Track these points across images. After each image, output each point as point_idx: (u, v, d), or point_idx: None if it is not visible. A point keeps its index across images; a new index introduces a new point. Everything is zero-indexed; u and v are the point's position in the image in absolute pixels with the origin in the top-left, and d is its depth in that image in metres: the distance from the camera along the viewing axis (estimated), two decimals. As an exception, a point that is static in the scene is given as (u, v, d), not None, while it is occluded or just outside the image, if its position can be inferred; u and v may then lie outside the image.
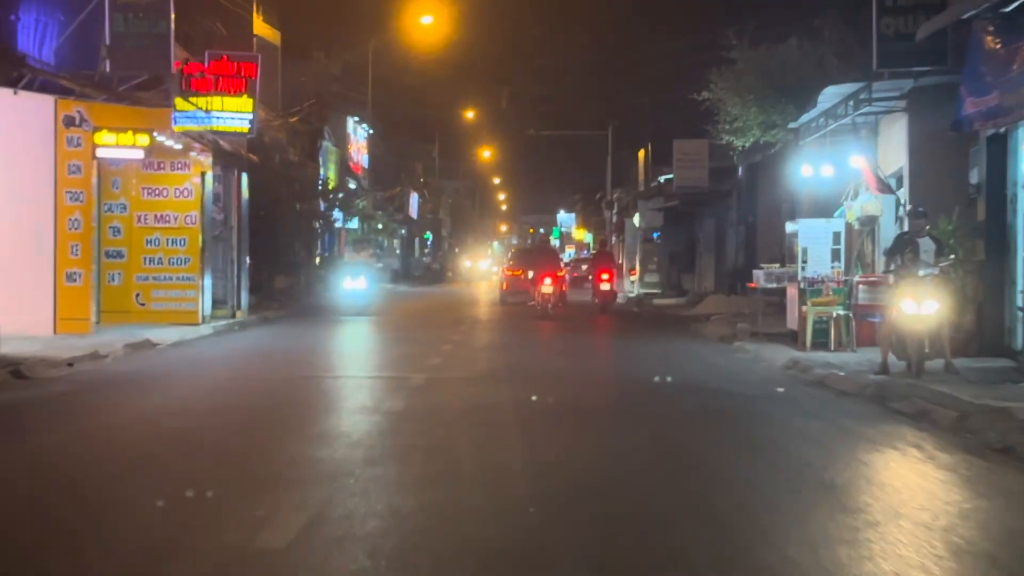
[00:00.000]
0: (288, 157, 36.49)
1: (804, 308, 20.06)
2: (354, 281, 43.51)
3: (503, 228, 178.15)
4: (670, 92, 44.30)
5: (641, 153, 47.12)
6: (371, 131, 61.42)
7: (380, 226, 64.34)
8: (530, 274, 33.27)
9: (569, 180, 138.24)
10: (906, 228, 17.05)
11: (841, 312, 19.71)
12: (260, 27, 36.08)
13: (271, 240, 33.44)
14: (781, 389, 14.92)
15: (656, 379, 15.93)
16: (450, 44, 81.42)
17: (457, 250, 76.53)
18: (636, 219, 47.20)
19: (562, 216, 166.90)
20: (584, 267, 51.08)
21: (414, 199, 72.38)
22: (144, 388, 14.81)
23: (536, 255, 35.02)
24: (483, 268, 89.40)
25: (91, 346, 18.25)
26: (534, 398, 13.59)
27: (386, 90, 70.84)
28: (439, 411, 12.64)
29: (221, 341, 22.23)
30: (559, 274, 32.49)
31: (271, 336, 23.98)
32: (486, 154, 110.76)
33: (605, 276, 34.66)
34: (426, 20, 44.67)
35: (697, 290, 39.39)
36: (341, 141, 54.35)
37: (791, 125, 20.91)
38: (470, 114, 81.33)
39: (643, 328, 29.28)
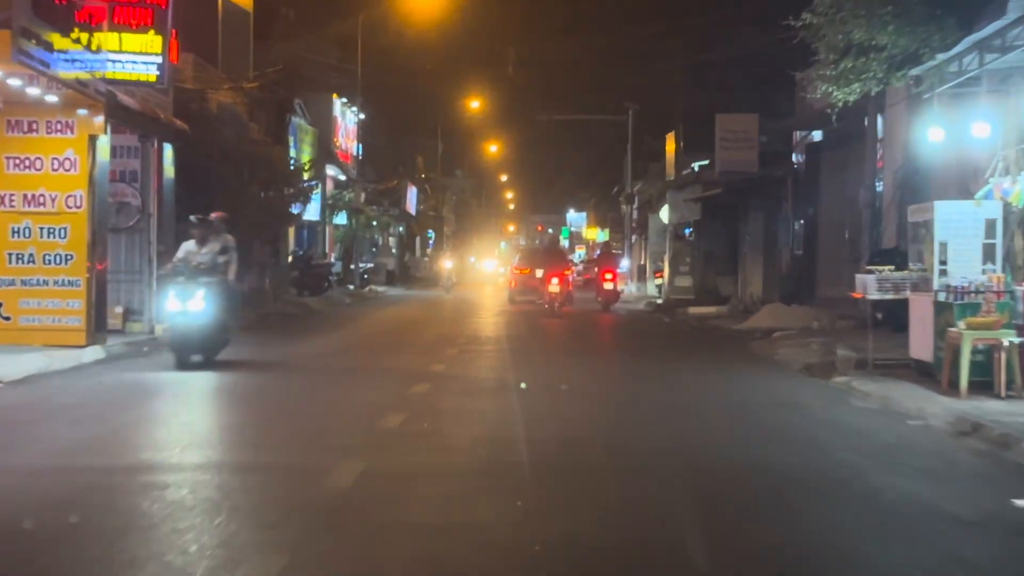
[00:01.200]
0: (248, 134, 29.82)
1: (955, 331, 13.32)
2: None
3: (511, 228, 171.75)
4: (708, 61, 37.66)
5: (670, 138, 40.33)
6: (362, 115, 54.72)
7: (375, 223, 57.71)
8: (538, 273, 34.19)
9: (580, 177, 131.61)
10: None
11: (1015, 340, 12.97)
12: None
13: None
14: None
15: (745, 461, 9.36)
16: (452, 27, 75.12)
17: (447, 248, 69.38)
18: (663, 213, 40.47)
19: (572, 215, 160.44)
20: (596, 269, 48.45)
21: (413, 193, 65.65)
22: None
23: (544, 255, 36.93)
24: (487, 269, 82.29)
25: None
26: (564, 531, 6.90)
27: (384, 77, 64.50)
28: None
29: (97, 377, 15.05)
30: (566, 274, 32.81)
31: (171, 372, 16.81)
32: (492, 148, 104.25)
33: (608, 276, 35.01)
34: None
35: (741, 297, 32.62)
36: (325, 124, 47.56)
37: (940, 57, 14.05)
38: (475, 103, 74.80)
39: (687, 348, 22.60)
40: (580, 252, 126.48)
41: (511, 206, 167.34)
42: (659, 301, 37.79)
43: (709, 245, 36.34)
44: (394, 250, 64.07)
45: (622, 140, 59.67)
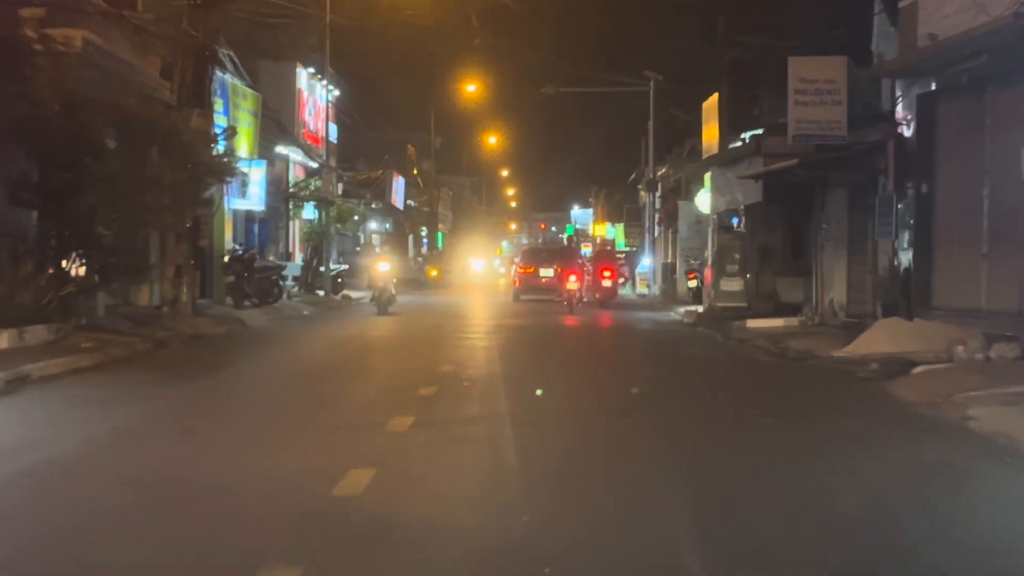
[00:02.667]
0: (150, 93, 21.53)
1: None
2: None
3: (513, 226, 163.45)
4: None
5: (710, 106, 31.89)
6: (335, 92, 46.44)
7: (355, 216, 49.35)
8: (542, 271, 37.20)
9: (589, 167, 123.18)
10: None
11: None
12: None
13: (96, 224, 18.55)
14: None
15: None
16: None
17: (383, 245, 59.54)
18: (700, 199, 32.18)
19: (576, 212, 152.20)
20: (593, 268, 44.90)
21: (400, 185, 57.28)
22: None
23: (547, 253, 39.64)
24: (477, 269, 73.19)
25: None
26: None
27: (363, 48, 56.34)
28: None
29: None
30: (582, 272, 33.56)
31: None
32: (492, 140, 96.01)
33: (607, 273, 35.41)
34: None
35: (816, 305, 24.31)
36: (287, 98, 39.31)
37: None
38: (472, 87, 66.52)
39: (782, 398, 14.28)
40: (586, 251, 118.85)
41: (513, 204, 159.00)
42: (698, 310, 29.44)
43: (765, 238, 27.99)
44: (378, 249, 55.68)
45: (639, 119, 51.41)
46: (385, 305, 28.31)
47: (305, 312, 30.40)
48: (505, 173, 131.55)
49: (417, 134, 74.68)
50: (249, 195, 27.98)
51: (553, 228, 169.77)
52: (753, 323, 24.29)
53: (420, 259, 65.89)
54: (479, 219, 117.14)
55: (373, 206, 54.74)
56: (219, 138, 22.67)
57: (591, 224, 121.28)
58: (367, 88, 63.06)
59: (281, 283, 30.58)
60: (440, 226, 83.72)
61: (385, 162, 56.52)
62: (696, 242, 36.49)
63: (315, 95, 41.60)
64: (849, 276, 23.78)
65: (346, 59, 54.70)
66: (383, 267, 28.66)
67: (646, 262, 45.40)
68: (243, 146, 27.14)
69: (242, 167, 27.65)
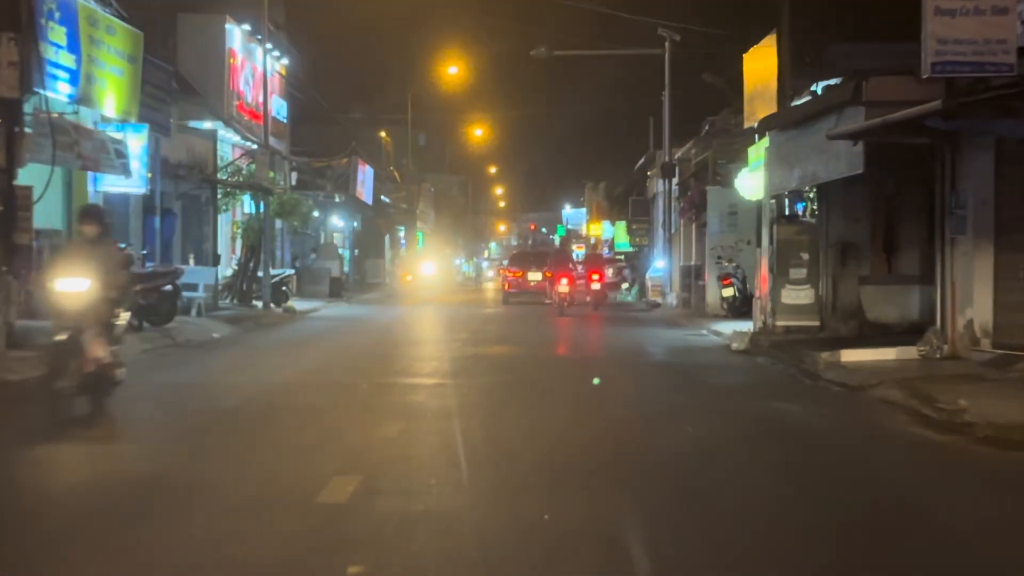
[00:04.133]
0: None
1: None
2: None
3: (501, 227, 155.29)
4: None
5: (759, 55, 23.65)
6: (283, 60, 38.24)
7: (314, 212, 41.16)
8: (531, 275, 37.15)
9: (581, 165, 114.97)
10: None
11: None
12: None
13: None
14: None
15: None
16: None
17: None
18: (741, 182, 24.03)
19: (568, 212, 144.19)
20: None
21: (368, 176, 48.98)
22: None
23: (535, 257, 40.35)
24: (430, 274, 60.80)
25: None
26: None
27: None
28: None
29: None
30: (573, 275, 32.93)
31: None
32: (478, 133, 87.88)
33: (595, 277, 35.79)
34: None
35: (948, 328, 16.16)
36: (213, 59, 31.11)
37: None
38: (453, 69, 58.46)
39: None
40: (578, 252, 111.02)
41: (501, 204, 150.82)
42: (748, 330, 21.25)
43: (847, 230, 19.83)
44: (342, 250, 47.48)
45: (650, 93, 43.52)
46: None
47: (215, 335, 22.16)
48: (493, 170, 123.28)
49: (396, 128, 66.54)
50: (128, 173, 19.66)
51: (543, 229, 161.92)
52: (849, 355, 16.13)
53: (397, 261, 57.69)
54: (466, 219, 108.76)
55: (337, 199, 46.49)
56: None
57: (584, 223, 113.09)
58: (335, 68, 54.96)
59: (180, 298, 22.33)
60: (420, 225, 75.52)
61: (352, 148, 48.28)
62: (731, 238, 28.34)
63: (251, 60, 33.35)
64: (997, 286, 15.64)
65: (313, 38, 46.63)
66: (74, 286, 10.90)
67: (659, 265, 37.26)
68: (108, 101, 18.86)
69: (108, 131, 19.39)
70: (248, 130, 33.20)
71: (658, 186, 39.34)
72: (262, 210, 31.40)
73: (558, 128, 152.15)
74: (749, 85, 24.43)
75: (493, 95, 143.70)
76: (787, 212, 21.27)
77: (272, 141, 37.46)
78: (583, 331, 26.08)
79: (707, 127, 33.96)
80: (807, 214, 21.54)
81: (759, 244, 21.87)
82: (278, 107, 38.26)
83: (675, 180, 34.65)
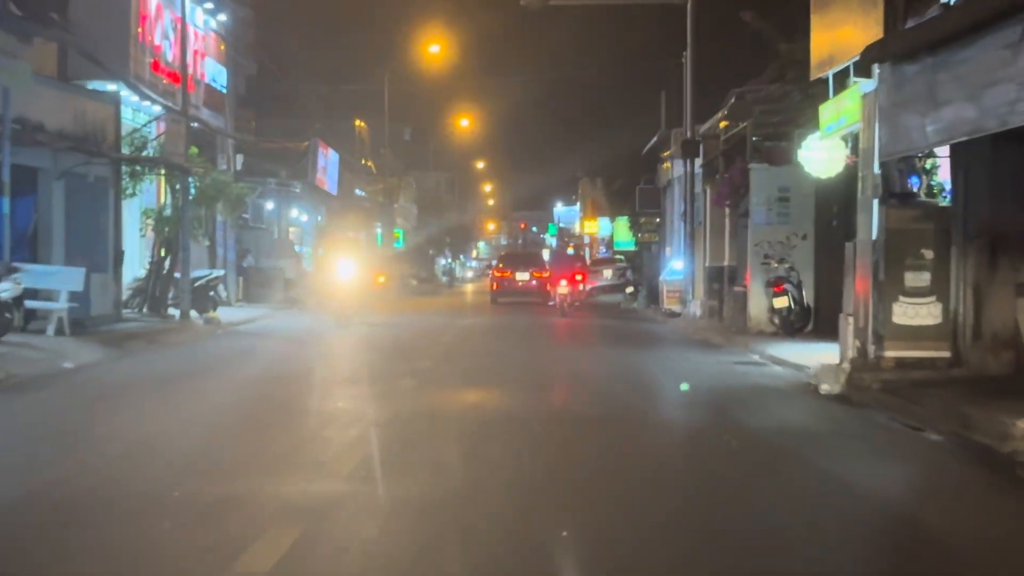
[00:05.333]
0: None
1: None
2: None
3: (491, 226, 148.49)
4: None
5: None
6: (221, 15, 31.28)
7: (245, 198, 34.41)
8: (519, 275, 37.89)
9: (574, 158, 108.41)
10: None
11: None
12: None
13: None
14: None
15: None
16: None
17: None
18: (809, 154, 17.21)
19: (560, 210, 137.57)
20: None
21: (332, 163, 42.03)
22: None
23: (525, 257, 43.64)
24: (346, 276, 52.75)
25: None
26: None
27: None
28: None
29: None
30: (575, 276, 31.58)
31: None
32: (464, 123, 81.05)
33: (579, 277, 32.81)
34: None
35: None
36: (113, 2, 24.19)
37: None
38: (435, 47, 51.65)
39: None
40: (570, 251, 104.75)
41: (490, 201, 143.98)
42: (845, 362, 14.33)
43: (999, 215, 12.99)
44: (299, 247, 40.60)
45: (657, 72, 37.21)
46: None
47: (67, 364, 15.27)
48: (480, 165, 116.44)
49: (373, 116, 59.63)
50: None
51: (534, 228, 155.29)
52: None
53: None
54: (451, 216, 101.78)
55: (298, 189, 39.58)
56: None
57: (577, 221, 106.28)
58: (302, 42, 48.05)
59: (18, 306, 15.46)
60: (401, 222, 68.61)
61: (316, 131, 41.39)
62: (781, 232, 21.51)
63: (172, 7, 26.34)
64: None
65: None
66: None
67: (676, 265, 30.40)
68: None
69: None
70: (169, 97, 26.26)
71: (675, 171, 32.51)
72: (178, 197, 24.48)
73: (551, 118, 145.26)
74: (820, 22, 17.52)
75: (481, 83, 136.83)
76: (897, 188, 14.38)
77: (208, 115, 30.66)
78: (590, 356, 19.26)
79: (733, 99, 27.22)
80: (923, 192, 14.70)
81: (817, 238, 14.97)
82: (214, 73, 31.34)
83: (700, 162, 27.82)
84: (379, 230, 60.62)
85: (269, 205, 39.13)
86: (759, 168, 21.82)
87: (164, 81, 26.46)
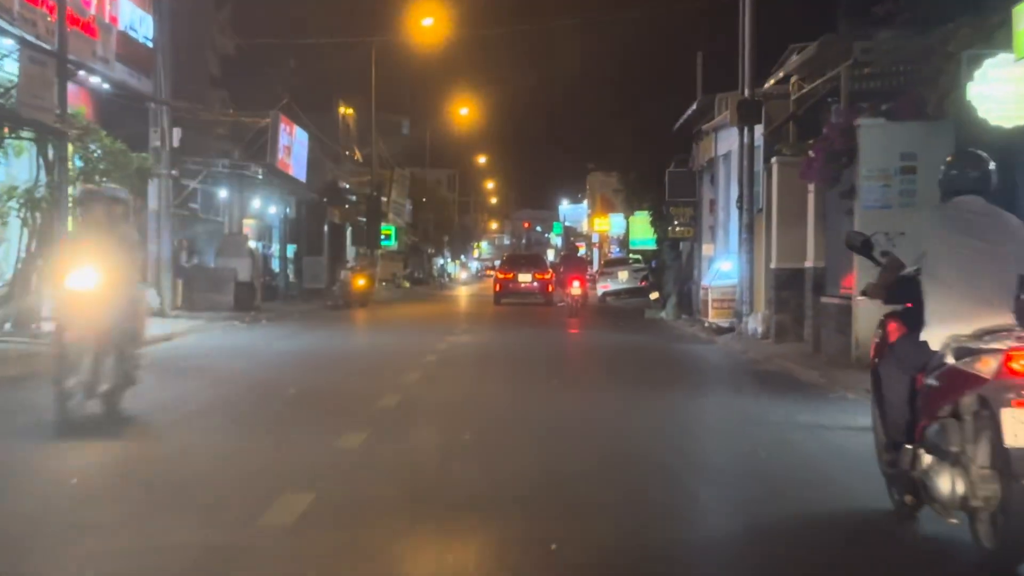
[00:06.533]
0: None
1: None
2: None
3: (493, 226, 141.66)
4: None
5: None
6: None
7: (147, 170, 27.56)
8: (521, 277, 38.72)
9: (581, 153, 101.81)
10: None
11: None
12: None
13: None
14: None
15: None
16: None
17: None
18: (980, 88, 10.24)
19: (566, 208, 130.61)
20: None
21: (300, 144, 34.99)
22: None
23: (527, 259, 43.70)
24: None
25: None
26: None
27: None
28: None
29: None
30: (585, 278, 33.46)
31: None
32: (463, 111, 74.12)
33: (576, 283, 32.49)
34: None
35: None
36: None
37: None
38: (427, 20, 44.74)
39: None
40: (580, 251, 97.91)
41: (493, 199, 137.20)
42: None
43: None
44: (254, 244, 33.66)
45: (681, 45, 30.81)
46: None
47: None
48: (482, 160, 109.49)
49: (360, 101, 52.72)
50: None
51: (538, 227, 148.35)
52: None
53: (350, 264, 43.73)
54: (449, 215, 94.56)
55: (261, 176, 32.60)
56: None
57: (585, 219, 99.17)
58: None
59: None
60: (393, 218, 61.63)
61: (285, 106, 34.44)
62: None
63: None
64: None
65: None
66: None
67: (724, 267, 23.35)
68: None
69: None
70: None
71: (718, 147, 25.53)
72: (53, 167, 17.53)
73: (557, 108, 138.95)
74: None
75: (482, 71, 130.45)
76: None
77: (124, 74, 23.82)
78: (627, 415, 12.01)
79: (794, 55, 20.40)
80: None
81: None
82: (133, 19, 24.48)
83: (763, 130, 20.83)
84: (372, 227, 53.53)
85: (222, 193, 32.23)
86: (872, 125, 14.85)
87: (48, 18, 19.50)
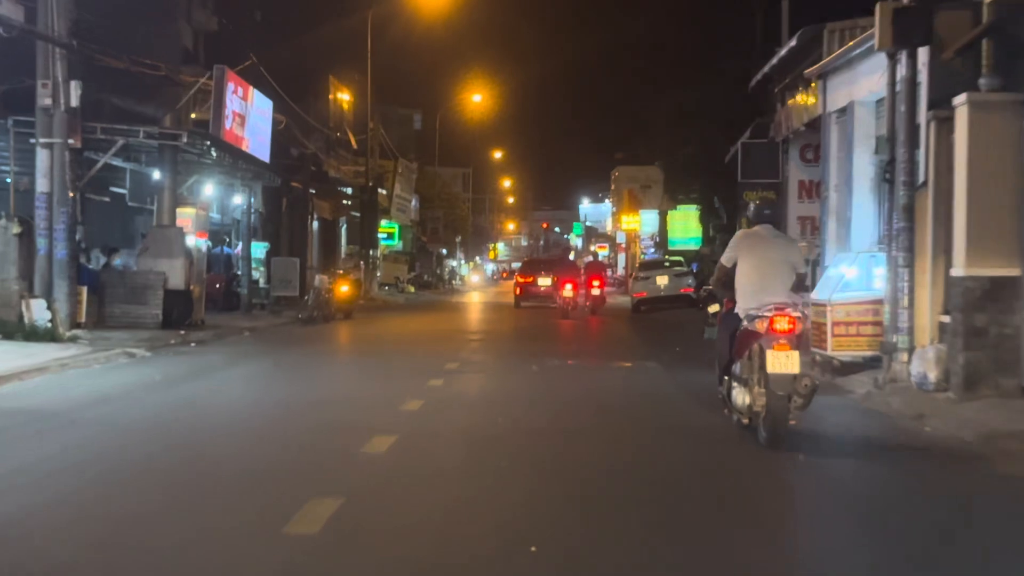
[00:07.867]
0: None
1: None
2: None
3: (510, 226, 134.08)
4: None
5: None
6: None
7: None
8: (540, 281, 38.94)
9: (605, 146, 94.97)
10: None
11: None
12: None
13: None
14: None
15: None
16: None
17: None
18: None
19: (586, 208, 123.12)
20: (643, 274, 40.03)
21: (258, 112, 27.29)
22: None
23: (545, 264, 41.88)
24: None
25: None
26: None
27: None
28: None
29: None
30: (577, 281, 33.22)
31: None
32: (476, 98, 66.66)
33: (596, 283, 35.65)
34: None
35: None
36: None
37: None
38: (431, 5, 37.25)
39: None
40: (602, 252, 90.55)
41: (510, 199, 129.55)
42: None
43: None
44: (198, 241, 26.00)
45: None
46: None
47: None
48: (499, 155, 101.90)
49: (356, 84, 45.14)
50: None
51: (557, 228, 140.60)
52: None
53: (339, 266, 36.02)
54: (463, 214, 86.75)
55: (214, 153, 24.95)
56: None
57: (609, 218, 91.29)
58: None
59: None
60: (395, 214, 54.01)
61: (250, 66, 26.86)
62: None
63: None
64: None
65: None
66: None
67: (848, 273, 15.44)
68: None
69: None
70: None
71: (830, 99, 17.64)
72: None
73: (581, 96, 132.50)
74: None
75: (497, 59, 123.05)
76: None
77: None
78: None
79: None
80: None
81: None
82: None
83: (922, 58, 13.08)
84: (355, 222, 45.92)
85: (155, 175, 24.62)
86: None
87: None
